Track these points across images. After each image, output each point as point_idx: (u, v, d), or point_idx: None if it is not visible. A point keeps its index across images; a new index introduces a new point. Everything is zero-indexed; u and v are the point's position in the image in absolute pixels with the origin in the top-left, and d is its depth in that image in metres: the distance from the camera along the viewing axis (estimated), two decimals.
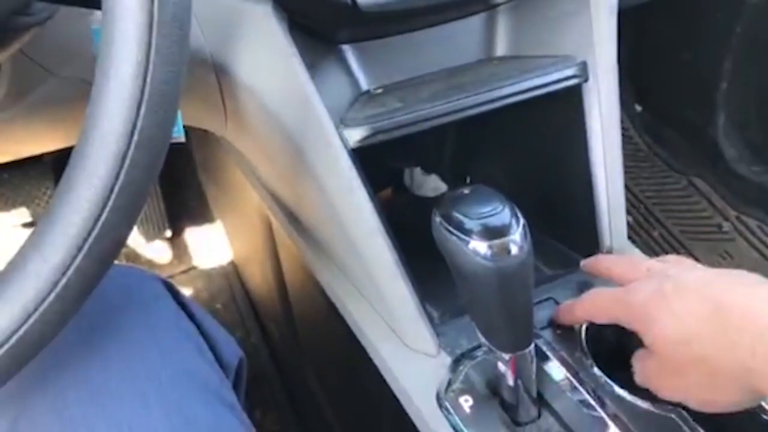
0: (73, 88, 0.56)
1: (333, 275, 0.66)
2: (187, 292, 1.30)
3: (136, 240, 1.34)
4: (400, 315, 0.57)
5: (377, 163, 0.59)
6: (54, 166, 1.25)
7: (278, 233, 0.81)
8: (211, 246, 1.38)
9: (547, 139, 0.66)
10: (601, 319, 0.50)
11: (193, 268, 1.36)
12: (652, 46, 1.32)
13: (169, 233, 1.38)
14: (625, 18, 0.63)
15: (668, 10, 1.24)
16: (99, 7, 0.34)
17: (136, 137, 0.30)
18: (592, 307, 0.51)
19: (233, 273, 1.33)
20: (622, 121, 1.31)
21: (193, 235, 1.41)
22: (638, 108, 1.42)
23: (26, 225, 1.25)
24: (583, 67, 0.60)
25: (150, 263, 1.35)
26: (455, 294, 0.65)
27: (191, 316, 0.49)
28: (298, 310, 0.88)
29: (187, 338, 0.47)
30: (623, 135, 1.39)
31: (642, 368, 0.47)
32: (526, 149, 0.70)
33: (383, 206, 0.57)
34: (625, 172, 0.64)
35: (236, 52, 0.53)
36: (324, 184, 0.56)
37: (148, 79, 0.30)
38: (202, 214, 1.43)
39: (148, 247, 1.35)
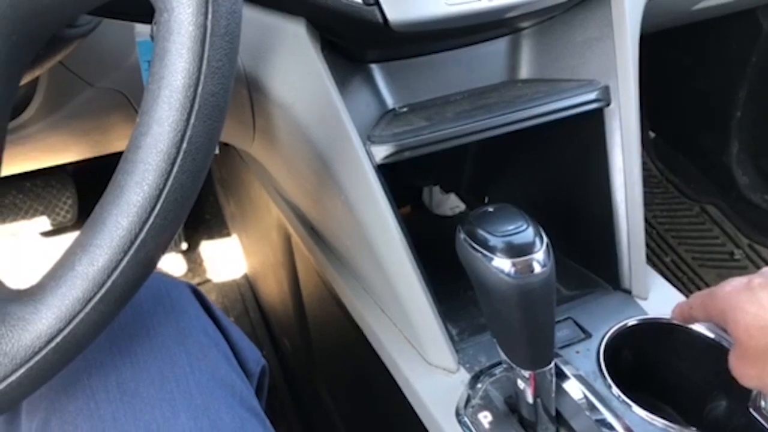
0: (107, 98, 0.57)
1: (353, 290, 0.67)
2: None
3: None
4: (420, 331, 0.58)
5: (397, 181, 0.60)
6: (75, 175, 1.27)
7: (297, 247, 0.82)
8: (225, 259, 1.39)
9: (568, 161, 0.67)
10: (699, 317, 0.52)
11: (208, 280, 1.37)
12: (667, 72, 1.33)
13: (184, 246, 1.39)
14: (640, 44, 0.64)
15: (683, 38, 1.26)
16: (148, 21, 0.35)
17: (185, 145, 0.31)
18: (690, 306, 0.53)
19: (246, 286, 1.34)
20: None
21: (208, 248, 1.42)
22: (652, 134, 1.43)
23: (47, 233, 1.27)
24: (606, 91, 0.61)
25: None
26: (474, 311, 0.66)
27: (217, 323, 0.50)
28: (314, 323, 0.88)
29: (214, 345, 0.47)
30: None
31: (730, 358, 0.48)
32: (547, 171, 0.71)
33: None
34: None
35: (269, 68, 0.54)
36: (349, 197, 0.57)
37: (199, 90, 0.31)
38: (217, 228, 1.44)
39: (164, 260, 1.36)
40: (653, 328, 0.58)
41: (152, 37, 0.35)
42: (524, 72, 0.67)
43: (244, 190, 1.07)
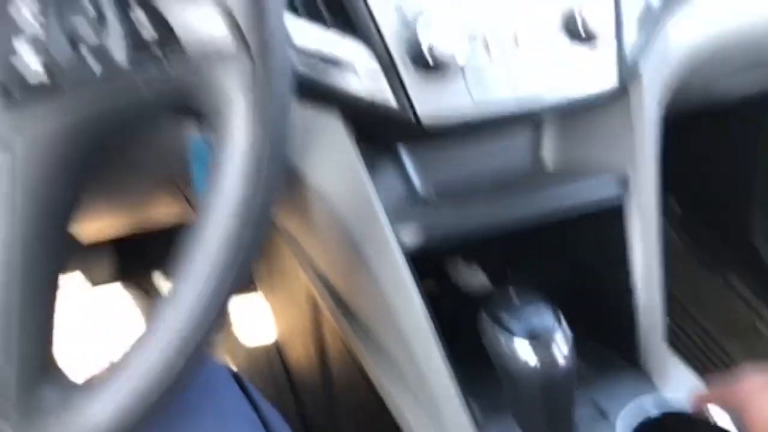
0: (153, 181, 0.61)
1: (377, 362, 0.69)
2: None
3: None
4: (443, 408, 0.60)
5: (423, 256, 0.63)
6: (116, 249, 1.29)
7: (324, 316, 0.85)
8: (254, 323, 1.42)
9: (588, 249, 0.70)
10: (717, 403, 0.54)
11: (236, 344, 1.39)
12: (690, 146, 1.36)
13: None
14: (664, 122, 0.67)
15: (709, 116, 1.28)
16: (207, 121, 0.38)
17: (241, 256, 0.35)
18: (709, 398, 0.55)
19: (274, 351, 1.36)
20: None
21: (237, 311, 1.45)
22: (675, 206, 1.45)
23: (84, 290, 1.30)
24: (627, 183, 0.64)
25: None
26: (497, 390, 0.67)
27: (252, 402, 0.53)
28: (340, 393, 0.90)
29: (250, 424, 0.50)
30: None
31: None
32: (568, 256, 0.73)
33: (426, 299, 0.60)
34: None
35: (305, 155, 0.58)
36: (378, 278, 0.59)
37: (253, 201, 0.34)
38: (247, 292, 1.47)
39: None
40: (675, 418, 0.60)
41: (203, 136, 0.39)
42: (548, 157, 0.70)
43: (274, 253, 1.11)
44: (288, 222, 0.73)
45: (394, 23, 0.54)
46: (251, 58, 0.34)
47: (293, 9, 0.53)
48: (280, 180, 0.36)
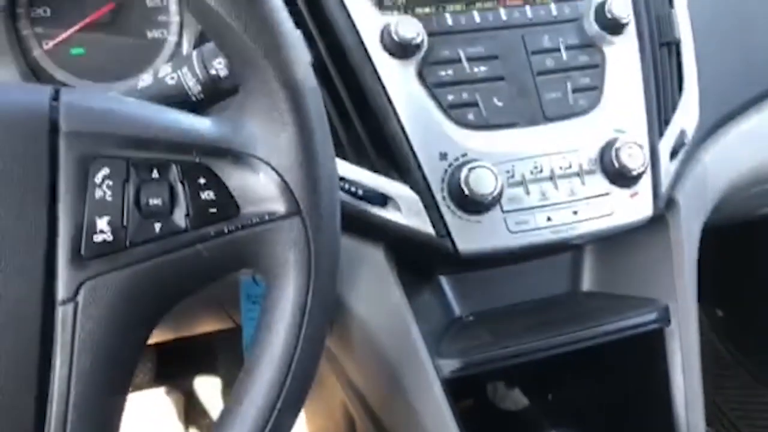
0: (202, 305, 0.64)
1: None
2: None
3: None
4: None
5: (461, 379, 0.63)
6: (157, 352, 1.31)
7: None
8: None
9: (629, 373, 0.69)
10: None
11: None
12: (734, 253, 1.34)
13: None
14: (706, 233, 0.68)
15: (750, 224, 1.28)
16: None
17: (279, 404, 0.36)
18: None
19: None
20: (702, 326, 1.30)
21: None
22: (720, 313, 1.42)
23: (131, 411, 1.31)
24: (666, 311, 0.64)
25: None
26: None
27: None
28: None
29: None
30: (704, 340, 1.38)
31: None
32: (608, 380, 0.73)
33: (465, 417, 0.60)
34: (706, 380, 0.66)
35: (349, 285, 0.60)
36: (415, 405, 0.60)
37: (295, 358, 0.36)
38: None
39: None
40: None
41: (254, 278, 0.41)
42: (586, 283, 0.71)
43: None
44: (328, 340, 0.74)
45: (437, 167, 0.56)
46: (303, 220, 0.37)
47: (343, 155, 0.56)
48: (325, 335, 0.38)
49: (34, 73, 0.59)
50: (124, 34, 0.62)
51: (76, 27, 0.60)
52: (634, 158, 0.59)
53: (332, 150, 0.39)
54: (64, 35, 0.60)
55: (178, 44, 0.62)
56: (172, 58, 0.62)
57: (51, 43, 0.60)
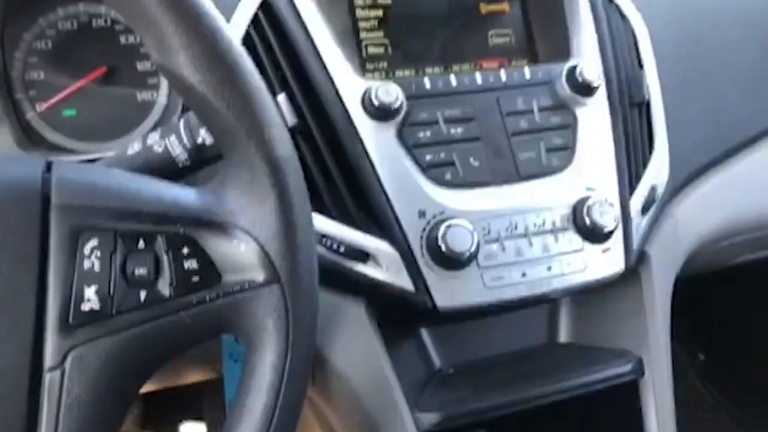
0: (186, 362, 0.65)
1: None
2: None
3: None
4: None
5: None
6: (144, 399, 1.31)
7: None
8: None
9: (605, 424, 0.71)
10: None
11: None
12: (714, 300, 1.37)
13: None
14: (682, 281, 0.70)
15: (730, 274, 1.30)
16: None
17: None
18: None
19: None
20: (685, 370, 1.32)
21: None
22: (702, 357, 1.44)
23: None
24: (640, 363, 0.66)
25: None
26: None
27: None
28: None
29: None
30: (687, 384, 1.40)
31: None
32: (586, 429, 0.74)
33: None
34: (689, 423, 0.67)
35: (329, 339, 0.61)
36: None
37: (274, 421, 0.38)
38: None
39: None
40: None
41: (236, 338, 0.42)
42: (563, 334, 0.73)
43: None
44: (310, 390, 0.75)
45: (416, 224, 0.59)
46: (281, 288, 0.38)
47: (326, 212, 0.58)
48: (304, 396, 0.39)
49: (27, 134, 0.61)
50: (115, 95, 0.64)
51: (69, 90, 0.62)
52: (606, 216, 0.62)
53: (311, 220, 0.41)
54: (57, 98, 0.62)
55: (167, 106, 0.64)
56: (161, 120, 0.64)
57: (44, 106, 0.62)
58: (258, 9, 0.61)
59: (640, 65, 0.72)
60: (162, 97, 0.65)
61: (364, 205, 0.59)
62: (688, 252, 0.73)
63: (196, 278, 0.38)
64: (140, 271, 0.37)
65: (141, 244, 0.38)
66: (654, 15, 0.74)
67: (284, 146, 0.39)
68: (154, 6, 0.36)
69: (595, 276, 0.63)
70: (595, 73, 0.65)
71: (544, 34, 0.70)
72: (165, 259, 0.38)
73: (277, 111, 0.41)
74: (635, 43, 0.72)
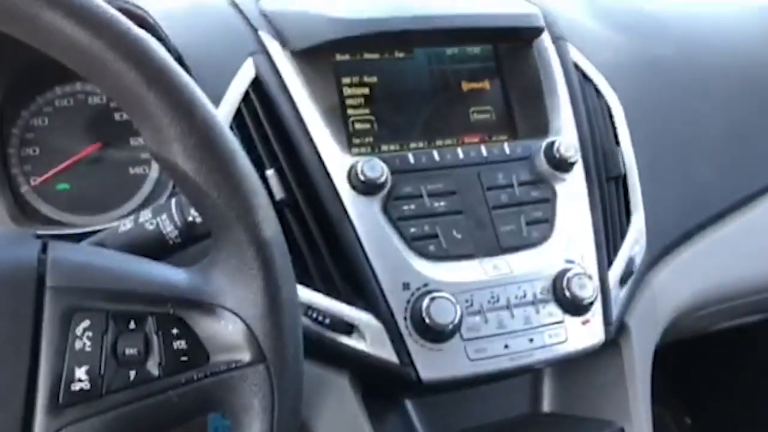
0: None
1: None
2: None
3: None
4: None
5: None
6: None
7: None
8: None
9: None
10: None
11: None
12: (697, 364, 1.37)
13: None
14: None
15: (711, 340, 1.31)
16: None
17: None
18: None
19: None
20: None
21: None
22: (688, 420, 1.43)
23: None
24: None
25: None
26: None
27: None
28: None
29: None
30: None
31: None
32: None
33: None
34: None
35: (314, 409, 0.62)
36: None
37: None
38: None
39: None
40: None
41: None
42: (546, 404, 0.73)
43: None
44: None
45: (401, 296, 0.60)
46: (267, 368, 0.40)
47: (311, 285, 0.60)
48: None
49: (21, 208, 0.63)
50: (108, 170, 0.66)
51: (64, 165, 0.64)
52: (585, 288, 0.63)
53: (297, 300, 0.42)
54: (51, 172, 0.64)
55: (159, 180, 0.66)
56: (153, 193, 0.66)
57: (38, 180, 0.64)
58: (249, 86, 0.64)
59: (616, 140, 0.75)
60: (154, 172, 0.67)
61: (350, 277, 0.61)
62: (667, 321, 0.75)
63: (184, 358, 0.39)
64: (130, 351, 0.38)
65: (132, 324, 0.39)
66: (628, 93, 0.77)
67: (271, 229, 0.41)
68: (150, 98, 0.38)
69: (576, 347, 0.65)
70: (572, 149, 0.68)
71: (523, 110, 0.73)
72: (155, 339, 0.39)
73: (265, 190, 0.43)
74: (611, 119, 0.76)
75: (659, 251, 0.75)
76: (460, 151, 0.67)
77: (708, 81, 0.86)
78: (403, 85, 0.71)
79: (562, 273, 0.64)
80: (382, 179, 0.62)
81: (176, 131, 0.38)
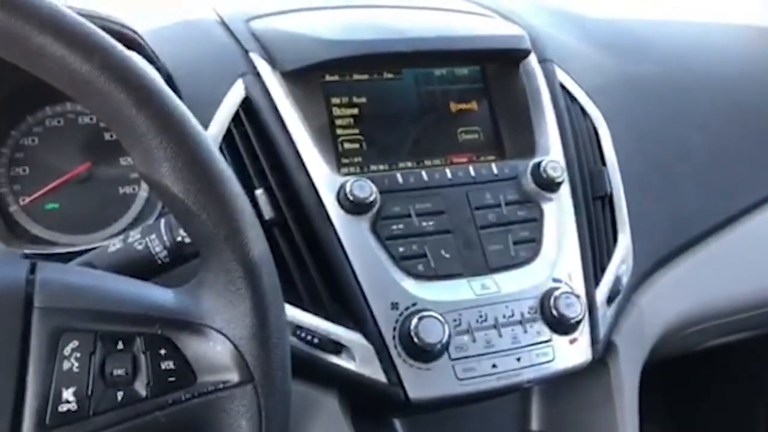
0: None
1: None
2: None
3: None
4: None
5: None
6: None
7: None
8: None
9: None
10: None
11: None
12: (685, 382, 1.38)
13: None
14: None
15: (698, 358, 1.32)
16: None
17: None
18: None
19: None
20: None
21: None
22: None
23: None
24: None
25: None
26: None
27: None
28: None
29: None
30: None
31: None
32: None
33: None
34: None
35: (303, 428, 0.62)
36: None
37: None
38: None
39: None
40: None
41: None
42: (534, 422, 0.74)
43: None
44: None
45: (389, 316, 0.60)
46: (255, 388, 0.40)
47: (300, 304, 0.60)
48: None
49: (10, 227, 0.62)
50: (97, 189, 0.66)
51: (53, 184, 0.64)
52: (572, 307, 0.64)
53: (285, 320, 0.43)
54: (40, 192, 0.64)
55: (148, 199, 0.66)
56: (142, 212, 0.66)
57: (28, 199, 0.64)
58: (239, 107, 0.64)
59: (603, 162, 0.76)
60: (143, 191, 0.67)
61: (338, 297, 0.61)
62: (654, 340, 0.75)
63: (171, 378, 0.39)
64: (118, 372, 0.39)
65: (120, 344, 0.39)
66: (614, 113, 0.78)
67: (259, 249, 0.41)
68: (139, 120, 0.38)
69: (563, 366, 0.65)
70: (558, 170, 0.68)
71: (510, 131, 0.74)
72: (143, 360, 0.39)
73: (255, 210, 0.43)
74: (597, 140, 0.76)
75: (646, 270, 0.76)
76: (448, 171, 0.68)
77: (693, 102, 0.87)
78: (391, 105, 0.72)
79: (550, 292, 0.65)
80: (371, 199, 0.62)
81: (165, 152, 0.38)
